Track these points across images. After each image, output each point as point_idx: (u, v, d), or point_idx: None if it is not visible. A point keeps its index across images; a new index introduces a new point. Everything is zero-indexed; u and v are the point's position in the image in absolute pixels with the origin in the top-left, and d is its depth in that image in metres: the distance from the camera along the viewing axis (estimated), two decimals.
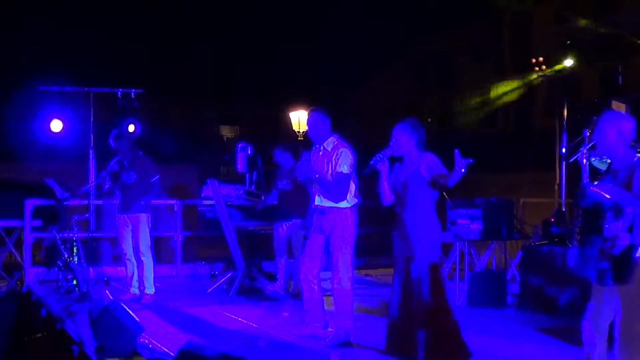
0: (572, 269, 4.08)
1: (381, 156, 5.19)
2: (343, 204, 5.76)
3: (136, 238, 7.86)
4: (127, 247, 7.92)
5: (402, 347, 5.20)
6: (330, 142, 5.89)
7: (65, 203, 8.48)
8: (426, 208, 5.15)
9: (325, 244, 5.85)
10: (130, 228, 7.86)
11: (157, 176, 7.93)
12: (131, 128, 11.07)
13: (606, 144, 4.07)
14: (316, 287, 5.93)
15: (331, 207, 5.77)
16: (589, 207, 3.95)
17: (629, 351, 3.95)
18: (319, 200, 5.87)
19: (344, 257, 5.75)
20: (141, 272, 7.91)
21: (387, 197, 5.29)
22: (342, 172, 5.73)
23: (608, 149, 4.08)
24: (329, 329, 5.95)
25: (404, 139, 5.20)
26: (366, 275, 9.82)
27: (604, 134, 4.06)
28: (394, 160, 5.33)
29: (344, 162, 5.74)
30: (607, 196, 3.84)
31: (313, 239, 5.94)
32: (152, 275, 7.93)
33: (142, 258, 7.87)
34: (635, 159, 4.02)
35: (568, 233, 7.28)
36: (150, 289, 7.85)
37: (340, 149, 5.82)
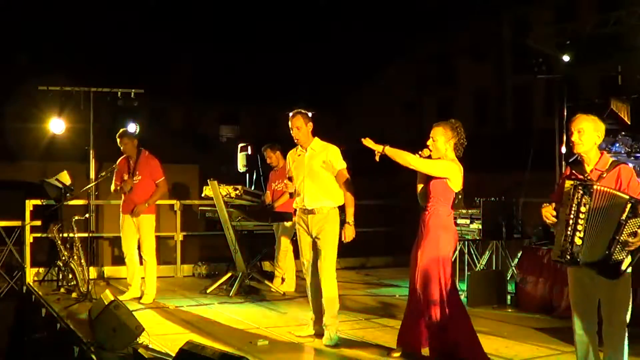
0: (568, 262, 4.10)
1: (419, 156, 5.10)
2: (330, 204, 5.78)
3: (142, 239, 7.84)
4: (129, 248, 7.92)
5: (409, 342, 5.24)
6: (316, 143, 5.92)
7: (65, 203, 8.47)
8: (445, 209, 5.11)
9: (313, 244, 5.86)
10: (135, 229, 7.85)
11: (163, 177, 7.93)
12: (131, 128, 11.07)
13: (585, 146, 4.18)
14: (319, 288, 5.92)
15: (319, 207, 5.79)
16: (598, 205, 3.96)
17: (615, 339, 4.09)
18: (305, 201, 5.87)
19: (332, 258, 5.79)
20: (143, 272, 7.90)
21: (422, 198, 5.24)
22: (343, 167, 5.80)
23: (586, 150, 4.20)
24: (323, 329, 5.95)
25: (443, 142, 5.11)
26: (367, 275, 9.82)
27: (583, 135, 4.18)
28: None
29: (339, 158, 5.84)
30: (625, 196, 3.92)
31: (305, 242, 5.94)
32: (155, 276, 7.92)
33: (146, 258, 7.86)
34: (611, 160, 4.20)
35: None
36: (151, 289, 7.84)
37: (331, 148, 5.89)
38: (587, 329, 4.22)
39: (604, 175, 4.12)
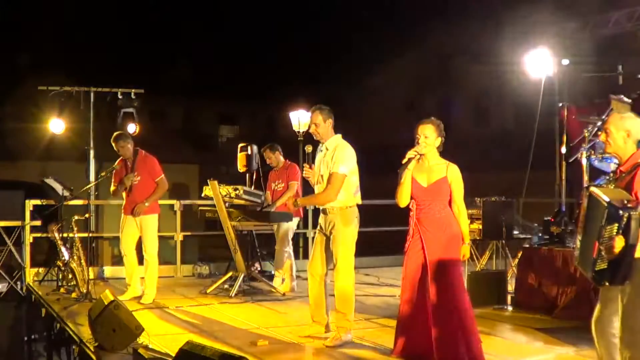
0: (578, 267, 4.08)
1: (416, 153, 5.05)
2: (344, 203, 5.75)
3: (144, 238, 7.83)
4: (128, 247, 7.90)
5: (414, 347, 5.14)
6: (332, 141, 5.87)
7: (65, 203, 8.47)
8: (447, 212, 5.09)
9: (327, 243, 5.85)
10: (137, 229, 7.84)
11: (162, 175, 7.91)
12: (131, 128, 11.08)
13: (613, 146, 4.07)
14: (322, 286, 5.92)
15: (332, 206, 5.77)
16: (589, 208, 3.95)
17: (632, 348, 3.93)
18: None
19: (346, 257, 5.74)
20: (144, 272, 7.88)
21: (407, 198, 5.15)
22: (337, 172, 5.66)
23: (615, 150, 4.08)
24: (331, 329, 5.95)
25: (434, 137, 5.09)
26: (366, 275, 9.82)
27: (610, 136, 4.06)
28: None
29: (341, 161, 5.69)
30: (605, 198, 3.82)
31: (317, 239, 5.94)
32: (156, 276, 7.91)
33: (148, 258, 7.84)
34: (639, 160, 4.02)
35: (569, 233, 7.27)
36: (151, 289, 7.83)
37: (340, 149, 5.77)
38: (601, 332, 4.10)
39: (623, 177, 3.98)
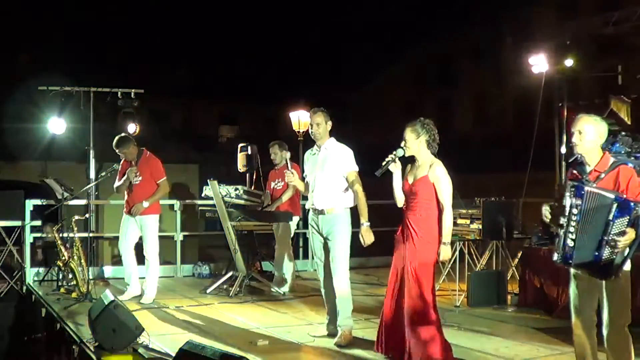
0: (562, 263, 4.14)
1: (393, 157, 5.13)
2: (339, 205, 5.78)
3: (144, 239, 7.82)
4: (127, 247, 7.88)
5: (390, 347, 5.20)
6: (330, 143, 5.90)
7: (65, 203, 8.46)
8: (430, 212, 5.11)
9: (324, 244, 5.86)
10: (138, 229, 7.84)
11: (164, 177, 7.88)
12: (131, 128, 11.07)
13: (586, 147, 4.17)
14: (333, 288, 5.92)
15: (328, 207, 5.79)
16: (589, 206, 3.98)
17: (614, 342, 4.06)
18: (315, 201, 5.87)
19: (342, 257, 5.76)
20: (145, 272, 7.87)
21: (401, 198, 5.24)
22: (353, 170, 5.78)
23: (587, 151, 4.19)
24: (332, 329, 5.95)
25: (413, 139, 5.14)
26: (366, 275, 9.82)
27: (584, 136, 4.17)
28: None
29: (351, 160, 5.81)
30: (610, 194, 3.91)
31: (316, 240, 5.95)
32: (157, 276, 7.90)
33: (149, 258, 7.83)
34: (611, 160, 4.16)
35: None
36: (151, 289, 7.83)
37: (344, 150, 5.86)
38: (585, 329, 4.22)
39: (602, 176, 4.10)
